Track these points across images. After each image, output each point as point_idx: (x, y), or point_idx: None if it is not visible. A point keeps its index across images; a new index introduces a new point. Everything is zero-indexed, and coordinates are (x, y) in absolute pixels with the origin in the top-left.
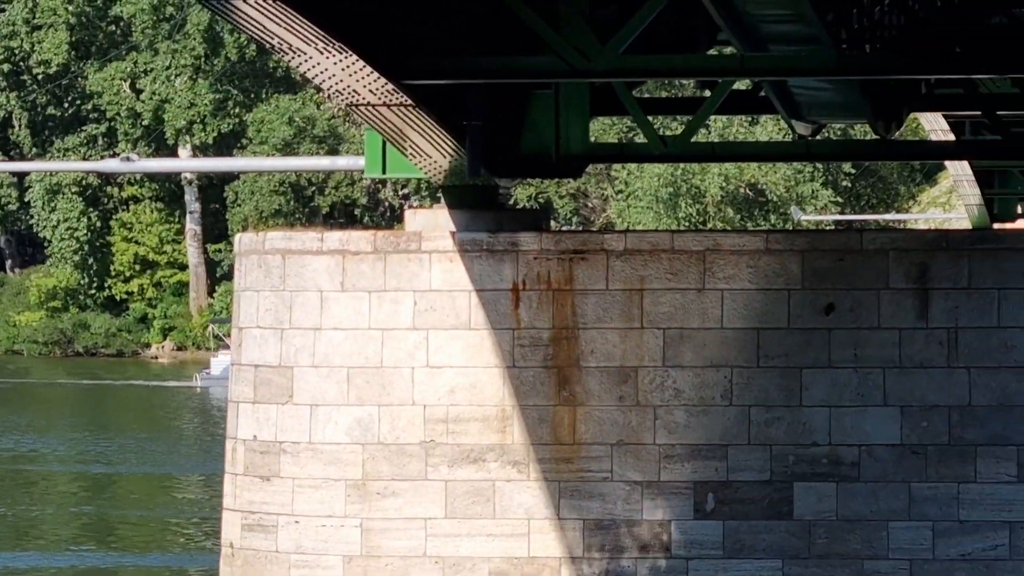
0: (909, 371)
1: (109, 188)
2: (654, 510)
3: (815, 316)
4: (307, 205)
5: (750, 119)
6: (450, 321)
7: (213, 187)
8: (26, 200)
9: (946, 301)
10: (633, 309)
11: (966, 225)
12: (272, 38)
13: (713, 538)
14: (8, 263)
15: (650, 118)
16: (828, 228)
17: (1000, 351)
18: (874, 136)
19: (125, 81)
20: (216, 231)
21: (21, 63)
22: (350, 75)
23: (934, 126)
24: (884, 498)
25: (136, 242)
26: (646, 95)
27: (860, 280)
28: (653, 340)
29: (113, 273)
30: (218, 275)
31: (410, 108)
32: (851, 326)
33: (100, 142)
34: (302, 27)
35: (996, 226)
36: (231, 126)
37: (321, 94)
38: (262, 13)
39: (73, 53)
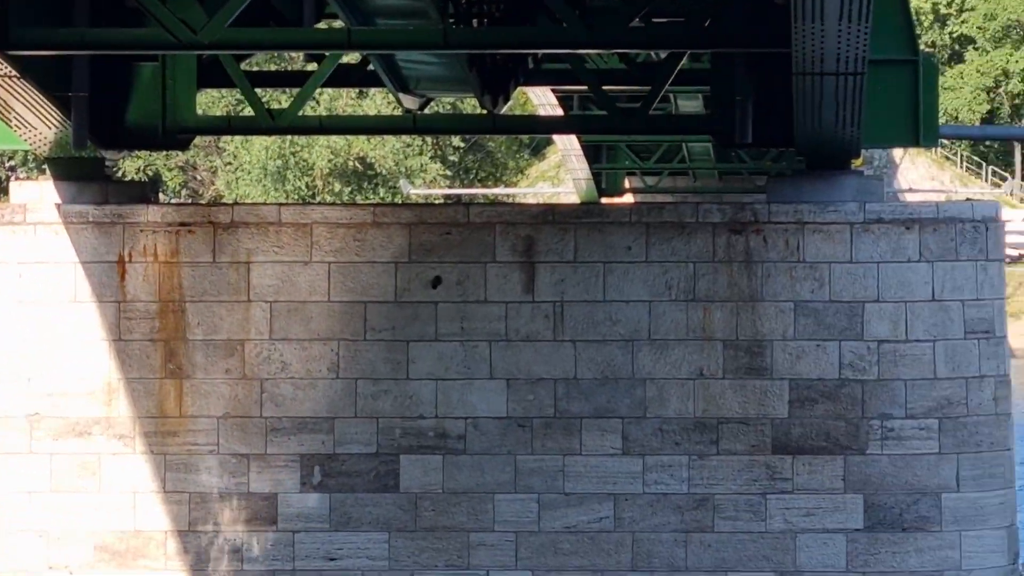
0: (515, 344)
1: None
2: (261, 483)
3: (422, 289)
4: None
5: (359, 92)
6: (56, 294)
7: None
8: None
9: (552, 275)
10: (240, 282)
11: (575, 199)
12: None
13: (320, 511)
14: None
15: (258, 91)
16: (437, 202)
17: (605, 325)
18: (482, 110)
19: None
20: None
21: None
22: None
23: (543, 101)
24: (490, 471)
25: None
26: (256, 68)
27: (467, 253)
28: (260, 313)
29: None
30: None
31: (14, 79)
32: (458, 299)
33: None
34: None
35: (604, 200)
36: None
37: None
38: None
39: None
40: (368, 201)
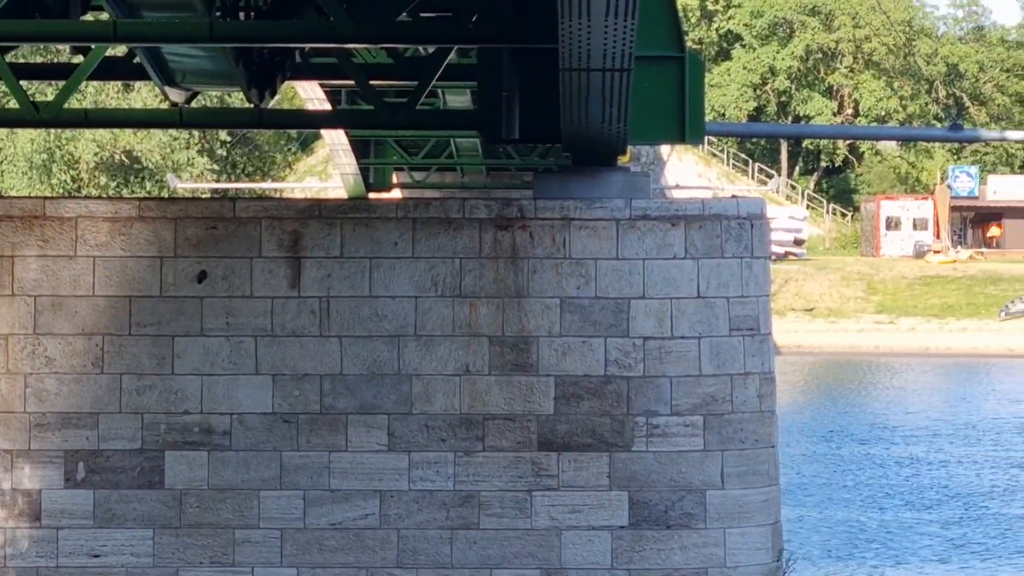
0: (281, 340)
1: None
2: (24, 479)
3: (188, 284)
4: None
5: (125, 86)
6: None
7: None
8: None
9: (319, 270)
10: (4, 276)
11: (342, 194)
12: None
13: (84, 507)
14: None
15: (24, 83)
16: (204, 196)
17: (372, 320)
18: (249, 104)
19: None
20: None
21: None
22: None
23: (311, 95)
24: (256, 467)
25: None
26: (21, 60)
27: (233, 248)
28: (24, 307)
29: None
30: None
31: None
32: (223, 294)
33: None
34: None
35: (372, 195)
36: None
37: None
38: None
39: None
40: (134, 195)
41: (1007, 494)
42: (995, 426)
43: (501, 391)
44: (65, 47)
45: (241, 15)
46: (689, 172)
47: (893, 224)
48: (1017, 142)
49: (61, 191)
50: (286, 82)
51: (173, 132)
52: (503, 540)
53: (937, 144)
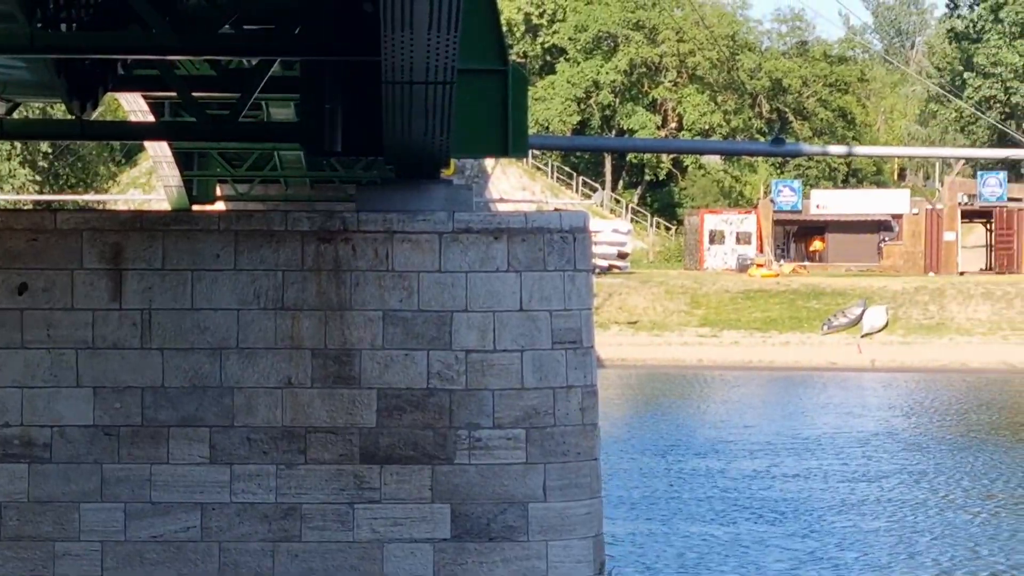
0: (103, 352)
1: None
2: None
3: (8, 296)
4: None
5: None
6: None
7: None
8: None
9: (140, 282)
10: None
11: (165, 207)
12: None
13: None
14: None
15: None
16: (26, 208)
17: (193, 332)
18: (71, 115)
19: None
20: None
21: None
22: None
23: (134, 107)
24: (76, 480)
25: None
26: None
27: (54, 260)
28: None
29: None
30: None
31: None
32: (44, 307)
33: None
34: None
35: (196, 208)
36: None
37: None
38: None
39: None
40: None
41: (850, 507)
42: (834, 439)
43: (323, 404)
44: None
45: (63, 26)
46: (514, 185)
47: (717, 238)
48: (839, 157)
49: None
50: (109, 93)
51: None
52: (325, 553)
53: (760, 158)
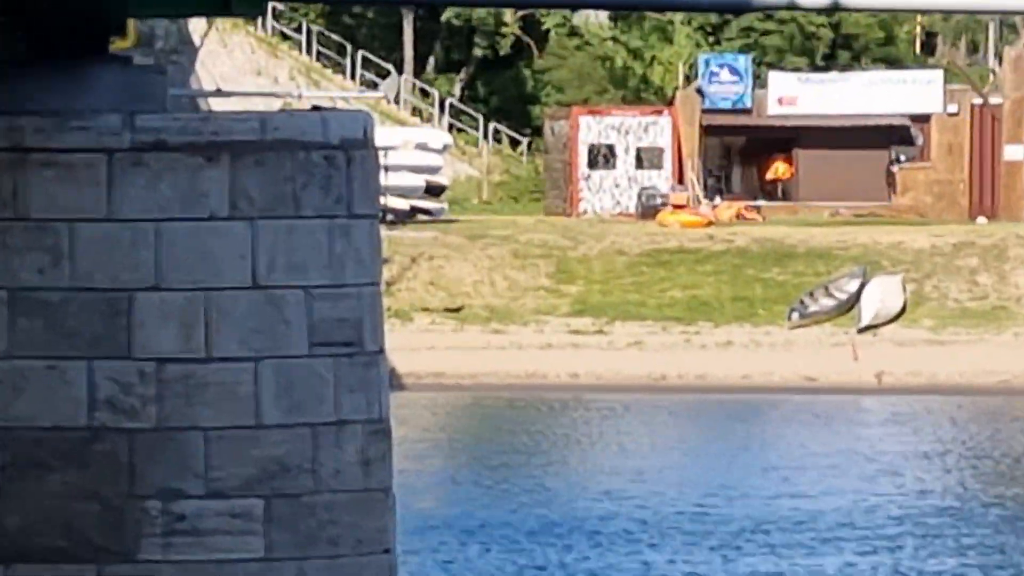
0: None
1: None
2: None
3: None
4: None
5: None
6: None
7: None
8: None
9: None
10: None
11: None
12: None
13: None
14: None
15: None
16: None
17: None
18: None
19: None
20: None
21: None
22: None
23: None
24: None
25: None
26: None
27: None
28: None
29: None
30: None
31: None
32: None
33: None
34: None
35: None
36: None
37: None
38: None
39: None
40: None
41: None
42: None
43: None
44: None
45: None
46: (242, 68)
47: (601, 158)
48: (819, 9)
49: None
50: None
51: None
52: None
53: (682, 14)
